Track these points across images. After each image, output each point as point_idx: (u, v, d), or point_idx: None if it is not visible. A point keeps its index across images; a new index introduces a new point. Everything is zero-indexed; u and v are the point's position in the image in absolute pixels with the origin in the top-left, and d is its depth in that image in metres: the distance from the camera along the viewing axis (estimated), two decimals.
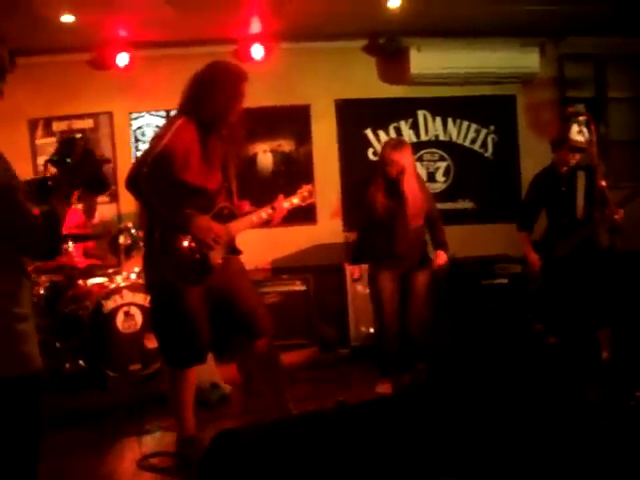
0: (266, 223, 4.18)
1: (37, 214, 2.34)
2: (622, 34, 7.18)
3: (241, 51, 7.12)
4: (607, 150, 6.92)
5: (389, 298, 5.36)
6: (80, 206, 6.31)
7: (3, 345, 2.22)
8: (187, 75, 3.94)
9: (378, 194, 5.31)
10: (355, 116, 7.51)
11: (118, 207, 7.13)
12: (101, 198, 6.65)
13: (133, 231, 5.88)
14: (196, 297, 3.86)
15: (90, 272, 5.97)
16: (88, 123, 7.21)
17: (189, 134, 3.79)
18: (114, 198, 7.03)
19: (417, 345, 5.43)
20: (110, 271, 5.89)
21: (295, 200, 4.28)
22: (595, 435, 2.99)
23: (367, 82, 7.50)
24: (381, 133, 7.49)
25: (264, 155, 7.44)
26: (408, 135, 7.47)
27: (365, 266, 5.62)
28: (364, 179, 5.61)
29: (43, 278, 5.77)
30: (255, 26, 6.95)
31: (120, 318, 5.54)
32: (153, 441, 4.49)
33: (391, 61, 7.42)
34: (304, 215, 6.41)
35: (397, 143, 5.60)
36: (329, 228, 7.38)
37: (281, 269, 7.13)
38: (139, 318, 5.59)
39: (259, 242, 6.14)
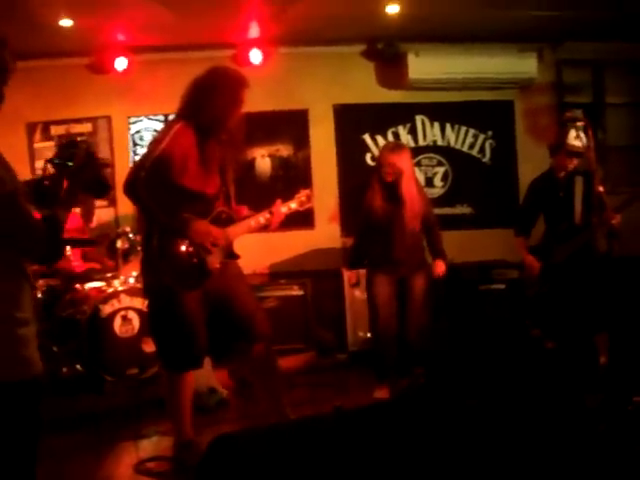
0: (264, 228, 4.19)
1: (39, 218, 2.34)
2: (620, 40, 7.20)
3: (239, 56, 7.13)
4: (605, 155, 6.93)
5: (385, 302, 5.36)
6: (78, 210, 6.31)
7: (4, 349, 2.22)
8: (186, 79, 3.95)
9: (376, 197, 5.31)
10: (353, 121, 7.51)
11: (116, 211, 7.13)
12: (99, 202, 6.64)
13: (131, 235, 5.87)
14: (194, 301, 3.86)
15: (88, 276, 5.96)
16: (86, 127, 7.20)
17: (187, 139, 3.79)
18: (112, 202, 7.02)
19: (415, 350, 5.42)
20: (108, 275, 5.88)
21: (293, 205, 4.29)
22: (593, 440, 2.99)
23: (365, 87, 7.51)
24: (379, 138, 7.49)
25: (262, 160, 7.45)
26: (406, 140, 7.47)
27: (363, 271, 5.63)
28: (362, 184, 5.61)
29: (40, 282, 5.75)
30: (254, 31, 6.96)
31: (118, 322, 5.53)
32: (150, 445, 4.48)
33: (389, 66, 7.43)
34: (302, 220, 6.41)
35: (395, 146, 5.61)
36: (327, 233, 7.37)
37: (279, 274, 7.12)
38: (137, 322, 5.58)
39: (257, 246, 6.14)
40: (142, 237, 4.11)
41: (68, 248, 5.74)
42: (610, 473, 2.73)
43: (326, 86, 7.41)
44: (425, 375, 5.34)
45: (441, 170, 7.65)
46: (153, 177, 3.65)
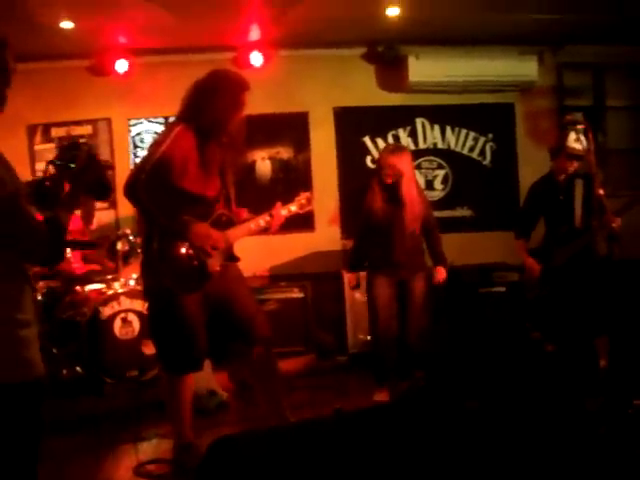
0: (264, 230, 4.19)
1: (41, 219, 2.33)
2: (620, 43, 7.20)
3: (240, 58, 7.13)
4: (605, 158, 6.94)
5: (385, 305, 5.36)
6: (78, 212, 6.29)
7: (6, 351, 2.22)
8: (186, 82, 3.95)
9: (376, 199, 5.30)
10: (354, 124, 7.51)
11: (116, 213, 7.12)
12: (99, 204, 6.62)
13: (131, 237, 5.87)
14: (194, 304, 3.85)
15: (88, 278, 5.97)
16: (87, 129, 7.21)
17: (187, 141, 3.79)
18: (112, 204, 7.01)
19: (415, 353, 5.42)
20: (108, 277, 5.88)
21: (293, 208, 4.28)
22: (593, 444, 2.99)
23: (366, 90, 7.51)
24: (379, 141, 7.49)
25: (262, 162, 7.45)
26: (406, 143, 7.46)
27: (363, 273, 5.62)
28: (362, 187, 5.61)
29: (41, 284, 5.75)
30: (254, 33, 6.96)
31: (118, 324, 5.53)
32: (150, 448, 4.47)
33: (390, 69, 7.43)
34: (302, 222, 6.41)
35: (395, 148, 5.62)
36: (327, 235, 7.37)
37: (279, 276, 7.12)
38: (137, 325, 5.58)
39: (257, 249, 6.14)
40: (142, 239, 4.11)
41: (68, 250, 5.74)
42: (610, 476, 2.73)
43: (326, 89, 7.41)
44: (425, 378, 5.33)
45: (441, 173, 7.65)
46: (153, 180, 3.65)
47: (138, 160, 6.77)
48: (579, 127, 4.88)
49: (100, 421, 4.91)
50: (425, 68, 7.14)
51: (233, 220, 4.05)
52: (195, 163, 3.81)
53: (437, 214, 5.87)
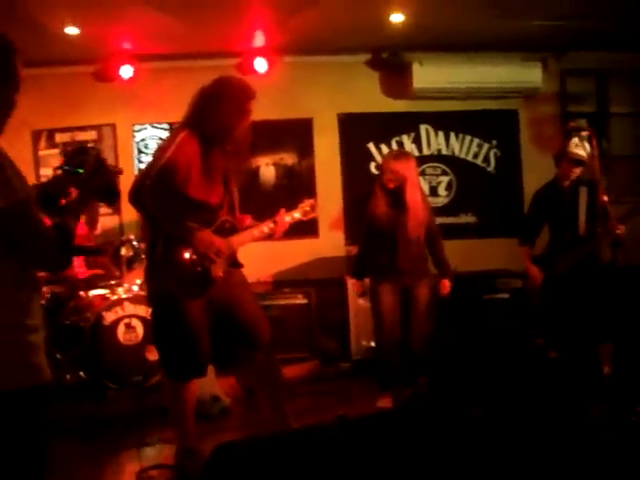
0: (268, 237, 4.18)
1: (49, 225, 2.33)
2: (624, 49, 7.20)
3: (244, 64, 7.14)
4: (609, 165, 6.93)
5: (389, 311, 5.35)
6: (83, 217, 6.31)
7: (16, 357, 2.22)
8: (190, 88, 3.95)
9: (379, 204, 5.30)
10: (358, 130, 7.52)
11: (120, 218, 7.13)
12: (103, 209, 6.67)
13: (135, 243, 5.87)
14: (197, 309, 3.85)
15: (91, 283, 5.97)
16: (91, 135, 7.23)
17: (191, 148, 3.79)
18: (116, 209, 7.03)
19: (418, 359, 5.41)
20: (112, 283, 5.88)
21: (297, 214, 4.28)
22: (597, 450, 2.98)
23: (370, 96, 7.52)
24: (383, 147, 7.50)
25: (266, 168, 7.45)
26: (410, 149, 7.47)
27: (367, 281, 5.61)
28: (366, 193, 5.61)
29: (44, 289, 5.75)
30: (259, 39, 6.97)
31: (121, 330, 5.54)
32: (153, 453, 4.47)
33: (394, 75, 7.44)
34: (306, 228, 6.41)
35: (398, 154, 5.62)
36: (331, 241, 7.38)
37: (283, 282, 7.12)
38: (140, 330, 5.58)
39: (261, 255, 6.14)
40: (146, 245, 4.11)
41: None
42: None
43: (331, 95, 7.42)
44: (429, 384, 5.32)
45: (445, 179, 7.65)
46: (158, 186, 3.65)
47: (142, 166, 6.79)
48: (583, 134, 4.88)
49: (103, 426, 4.91)
50: (429, 74, 7.15)
51: (237, 227, 4.05)
52: (198, 170, 3.81)
53: (441, 220, 5.88)
